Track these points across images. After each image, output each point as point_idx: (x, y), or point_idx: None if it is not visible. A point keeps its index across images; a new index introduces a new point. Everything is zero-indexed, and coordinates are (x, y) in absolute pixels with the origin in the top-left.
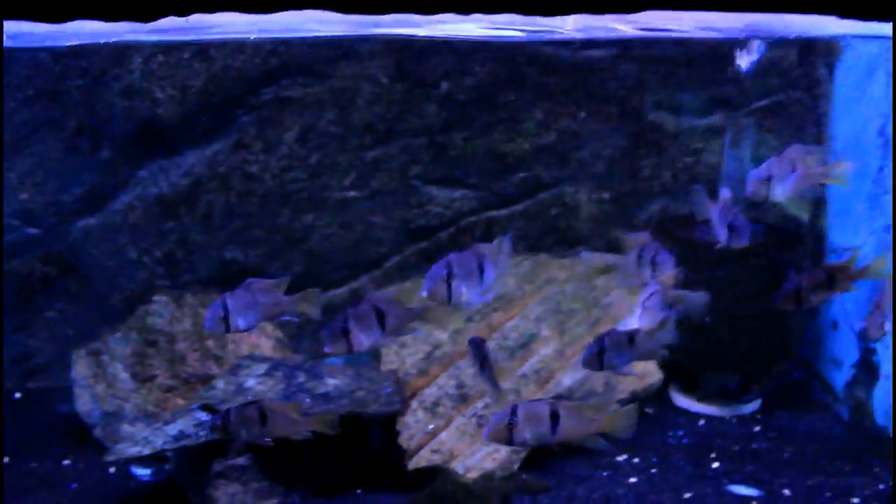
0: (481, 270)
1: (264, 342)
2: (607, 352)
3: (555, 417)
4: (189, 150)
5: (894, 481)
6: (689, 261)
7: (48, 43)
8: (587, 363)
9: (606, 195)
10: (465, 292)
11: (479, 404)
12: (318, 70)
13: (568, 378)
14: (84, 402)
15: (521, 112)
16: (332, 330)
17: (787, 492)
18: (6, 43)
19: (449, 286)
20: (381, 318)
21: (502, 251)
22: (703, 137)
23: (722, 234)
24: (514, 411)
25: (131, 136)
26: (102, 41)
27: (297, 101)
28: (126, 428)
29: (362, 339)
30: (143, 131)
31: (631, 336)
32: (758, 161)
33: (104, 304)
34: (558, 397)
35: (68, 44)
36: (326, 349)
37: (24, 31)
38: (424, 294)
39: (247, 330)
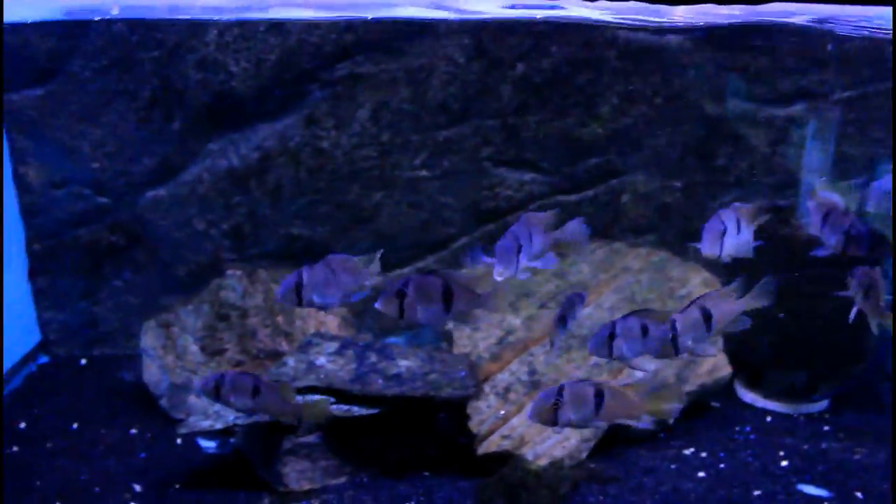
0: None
1: (330, 319)
2: (616, 339)
3: (599, 397)
4: (260, 123)
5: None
6: (768, 255)
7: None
8: (596, 350)
9: (678, 184)
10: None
11: None
12: (393, 47)
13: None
14: (152, 373)
15: (597, 96)
16: (388, 291)
17: (859, 494)
18: (81, 15)
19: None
20: (447, 297)
21: (575, 232)
22: (782, 128)
23: (832, 241)
24: (559, 391)
25: (203, 108)
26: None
27: (370, 77)
28: (193, 400)
29: (416, 311)
30: (215, 104)
31: (645, 326)
32: (839, 155)
33: (170, 274)
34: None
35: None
36: (377, 305)
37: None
38: (496, 268)
39: (322, 307)
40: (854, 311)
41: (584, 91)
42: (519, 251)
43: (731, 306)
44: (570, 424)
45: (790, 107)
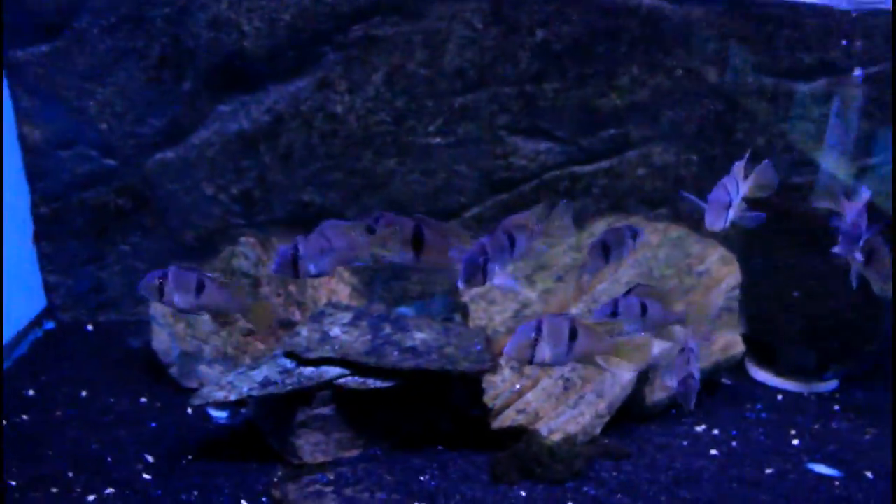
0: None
1: (342, 288)
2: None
3: (573, 334)
4: (273, 85)
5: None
6: (782, 231)
7: None
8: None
9: (695, 157)
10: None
11: (566, 367)
12: (410, 9)
13: (655, 346)
14: (161, 341)
15: (617, 66)
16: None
17: (868, 474)
18: None
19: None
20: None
21: (560, 217)
22: (803, 103)
23: (852, 251)
24: (538, 327)
25: (215, 69)
26: None
27: (386, 40)
28: (203, 369)
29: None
30: (226, 64)
31: (644, 306)
32: (862, 133)
33: (177, 239)
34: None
35: None
36: (460, 284)
37: None
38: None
39: (318, 275)
40: (854, 272)
41: (603, 60)
42: (485, 265)
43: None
44: (544, 364)
45: (812, 82)
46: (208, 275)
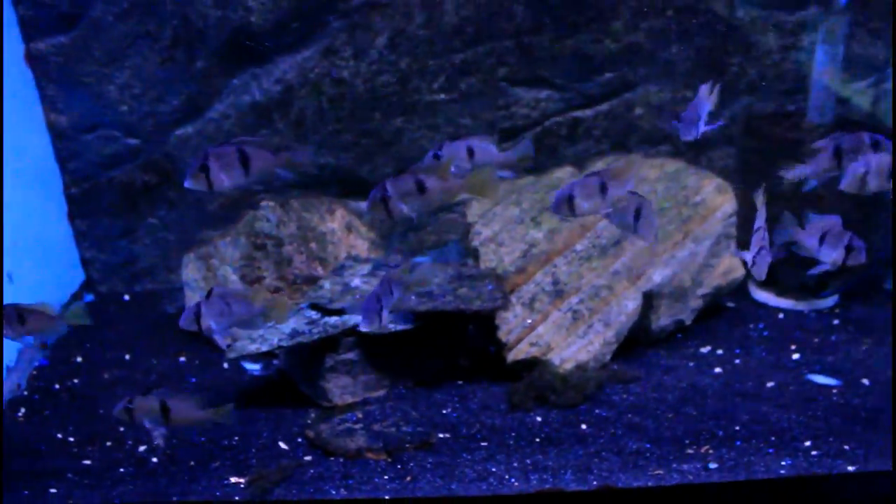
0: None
1: (360, 243)
2: (576, 200)
3: (421, 187)
4: (281, 57)
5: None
6: (778, 160)
7: None
8: (557, 209)
9: (690, 94)
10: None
11: (574, 299)
12: None
13: (658, 275)
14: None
15: (609, 11)
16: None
17: (865, 381)
18: None
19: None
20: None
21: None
22: (792, 33)
23: (830, 256)
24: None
25: (224, 45)
26: None
27: (386, 5)
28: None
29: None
30: (235, 40)
31: (604, 185)
32: (850, 58)
33: (202, 209)
34: (649, 293)
35: None
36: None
37: None
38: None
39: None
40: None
41: (595, 7)
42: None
43: None
44: (400, 216)
45: (802, 11)
46: (224, 291)
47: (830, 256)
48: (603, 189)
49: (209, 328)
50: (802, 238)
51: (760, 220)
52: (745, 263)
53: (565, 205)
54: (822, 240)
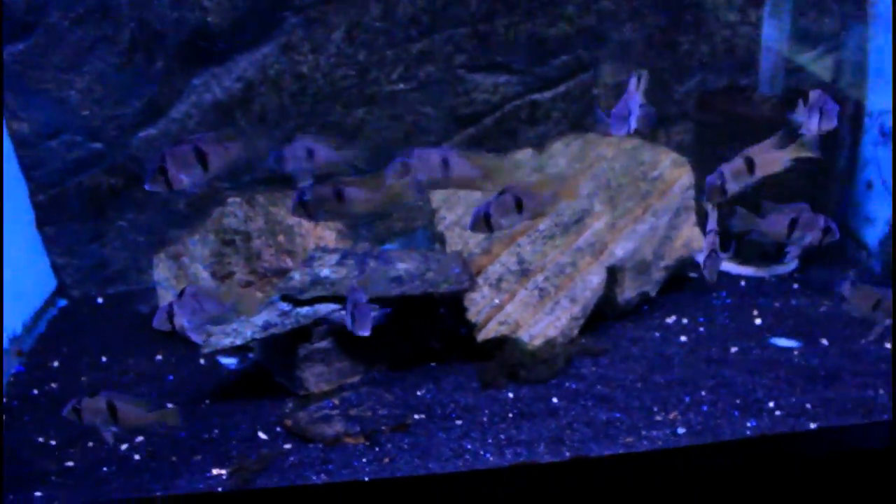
0: None
1: (328, 234)
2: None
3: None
4: (239, 55)
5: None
6: (731, 133)
7: None
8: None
9: (645, 72)
10: None
11: (540, 277)
12: None
13: (620, 249)
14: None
15: None
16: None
17: (824, 341)
18: None
19: None
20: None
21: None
22: (741, 8)
23: (806, 240)
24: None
25: (183, 46)
26: None
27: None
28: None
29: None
30: (193, 40)
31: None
32: (798, 31)
33: (170, 209)
34: (612, 268)
35: None
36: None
37: None
38: None
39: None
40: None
41: None
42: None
43: (774, 155)
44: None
45: None
46: (196, 290)
47: (806, 240)
48: (518, 205)
49: (182, 327)
50: (768, 226)
51: (712, 224)
52: (697, 265)
53: (482, 222)
54: (792, 224)
